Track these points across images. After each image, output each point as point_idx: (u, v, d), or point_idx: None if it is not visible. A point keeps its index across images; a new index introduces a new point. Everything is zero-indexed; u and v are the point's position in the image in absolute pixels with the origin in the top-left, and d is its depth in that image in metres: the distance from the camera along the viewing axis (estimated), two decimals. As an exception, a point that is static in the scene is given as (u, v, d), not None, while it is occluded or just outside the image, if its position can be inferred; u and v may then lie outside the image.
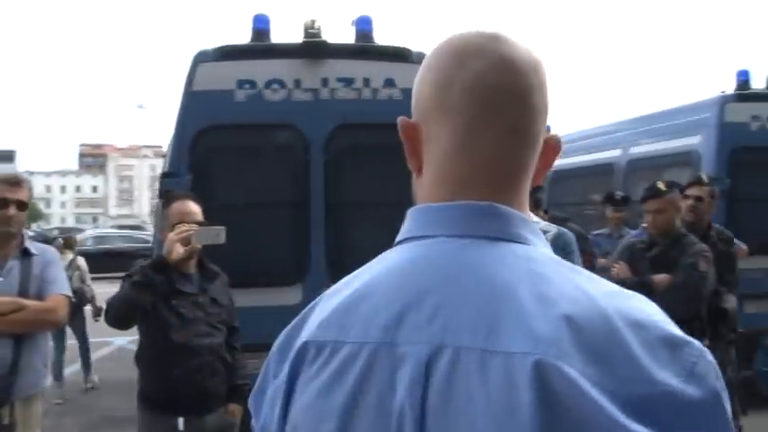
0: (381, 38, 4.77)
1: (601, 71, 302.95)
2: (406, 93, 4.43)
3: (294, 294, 4.29)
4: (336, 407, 0.71)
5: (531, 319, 0.65)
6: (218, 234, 2.86)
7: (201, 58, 4.38)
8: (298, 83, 4.46)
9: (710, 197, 4.50)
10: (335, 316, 0.75)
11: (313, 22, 4.57)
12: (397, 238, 0.79)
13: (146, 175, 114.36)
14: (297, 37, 4.55)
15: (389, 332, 0.70)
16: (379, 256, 0.80)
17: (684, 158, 6.52)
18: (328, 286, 0.84)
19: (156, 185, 4.95)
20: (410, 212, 0.79)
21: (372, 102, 4.55)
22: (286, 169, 4.62)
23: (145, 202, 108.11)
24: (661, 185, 3.90)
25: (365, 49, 4.66)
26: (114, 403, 6.59)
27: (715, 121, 6.28)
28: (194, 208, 3.02)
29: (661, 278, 3.78)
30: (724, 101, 6.39)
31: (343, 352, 0.72)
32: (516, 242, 0.74)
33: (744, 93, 6.49)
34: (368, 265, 0.80)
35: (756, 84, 6.66)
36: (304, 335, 0.77)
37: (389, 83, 4.58)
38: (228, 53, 4.44)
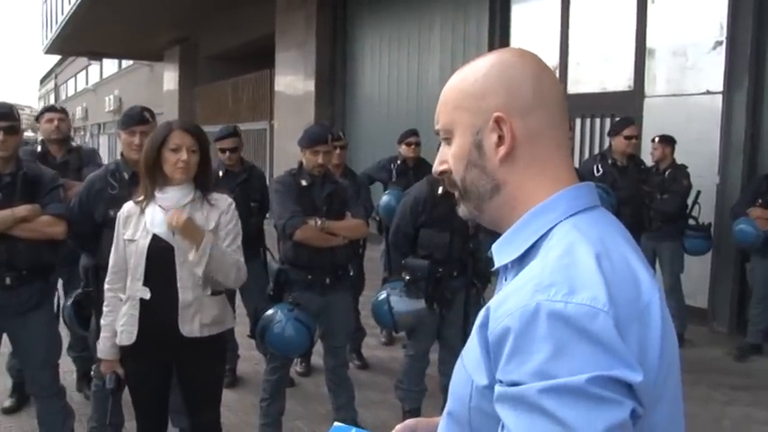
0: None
1: None
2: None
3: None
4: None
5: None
6: None
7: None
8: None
9: None
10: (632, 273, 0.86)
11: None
12: (580, 207, 0.93)
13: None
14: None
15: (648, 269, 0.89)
16: (590, 220, 0.92)
17: None
18: None
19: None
20: (574, 189, 0.95)
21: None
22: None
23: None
24: None
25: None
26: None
27: None
28: None
29: None
30: None
31: (656, 300, 0.85)
32: None
33: None
34: (600, 228, 0.91)
35: None
36: (648, 290, 0.84)
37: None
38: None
